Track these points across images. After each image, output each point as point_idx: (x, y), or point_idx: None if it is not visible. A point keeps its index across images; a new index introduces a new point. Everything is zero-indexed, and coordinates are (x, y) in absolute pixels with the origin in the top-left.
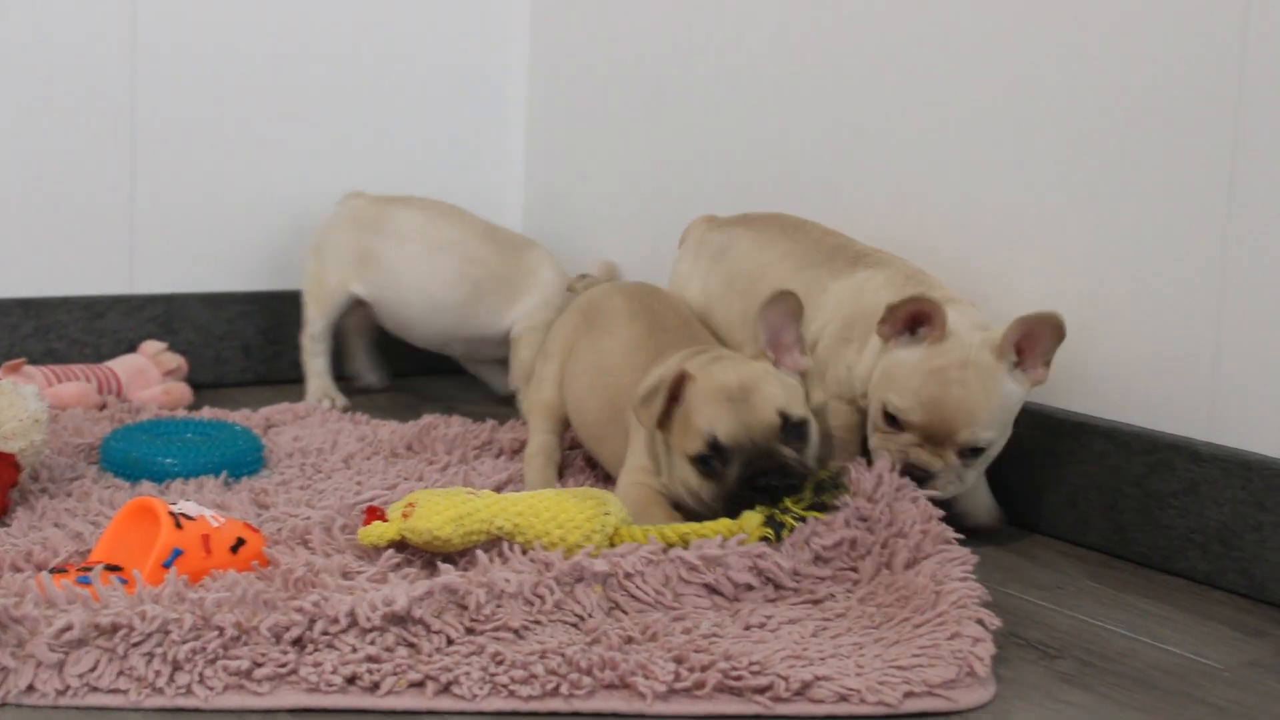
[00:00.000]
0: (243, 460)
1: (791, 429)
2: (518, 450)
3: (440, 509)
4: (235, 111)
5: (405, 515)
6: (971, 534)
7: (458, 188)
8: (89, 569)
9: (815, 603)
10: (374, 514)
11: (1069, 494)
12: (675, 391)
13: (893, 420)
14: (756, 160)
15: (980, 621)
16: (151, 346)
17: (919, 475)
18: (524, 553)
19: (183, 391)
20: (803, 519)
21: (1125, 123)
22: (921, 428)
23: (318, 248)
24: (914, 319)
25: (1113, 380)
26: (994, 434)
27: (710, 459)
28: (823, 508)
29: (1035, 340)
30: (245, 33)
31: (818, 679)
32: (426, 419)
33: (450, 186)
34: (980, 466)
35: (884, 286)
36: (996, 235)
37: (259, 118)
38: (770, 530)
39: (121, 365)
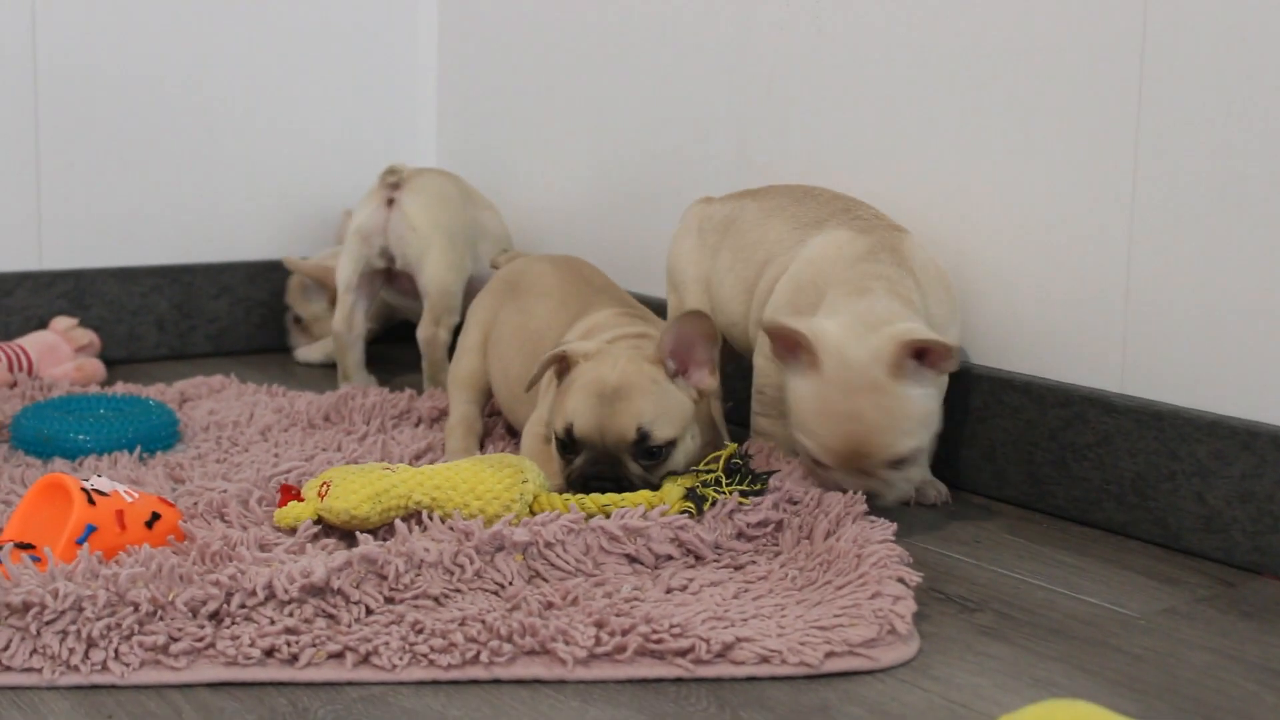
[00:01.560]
0: (157, 435)
1: (645, 448)
2: (436, 419)
3: (356, 487)
4: (141, 78)
5: (321, 495)
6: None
7: (369, 156)
8: None
9: (737, 568)
10: (289, 493)
11: (986, 449)
12: (559, 370)
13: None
14: (673, 118)
15: (901, 580)
16: (62, 323)
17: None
18: (443, 521)
19: (95, 367)
20: (723, 495)
21: (1030, 79)
22: (846, 457)
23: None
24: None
25: (1027, 335)
26: (915, 440)
27: (565, 442)
28: (746, 494)
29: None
30: (146, 8)
31: (739, 640)
32: (344, 389)
33: (362, 155)
34: (914, 467)
35: (839, 246)
36: (906, 192)
37: (165, 84)
38: (691, 504)
39: (32, 342)
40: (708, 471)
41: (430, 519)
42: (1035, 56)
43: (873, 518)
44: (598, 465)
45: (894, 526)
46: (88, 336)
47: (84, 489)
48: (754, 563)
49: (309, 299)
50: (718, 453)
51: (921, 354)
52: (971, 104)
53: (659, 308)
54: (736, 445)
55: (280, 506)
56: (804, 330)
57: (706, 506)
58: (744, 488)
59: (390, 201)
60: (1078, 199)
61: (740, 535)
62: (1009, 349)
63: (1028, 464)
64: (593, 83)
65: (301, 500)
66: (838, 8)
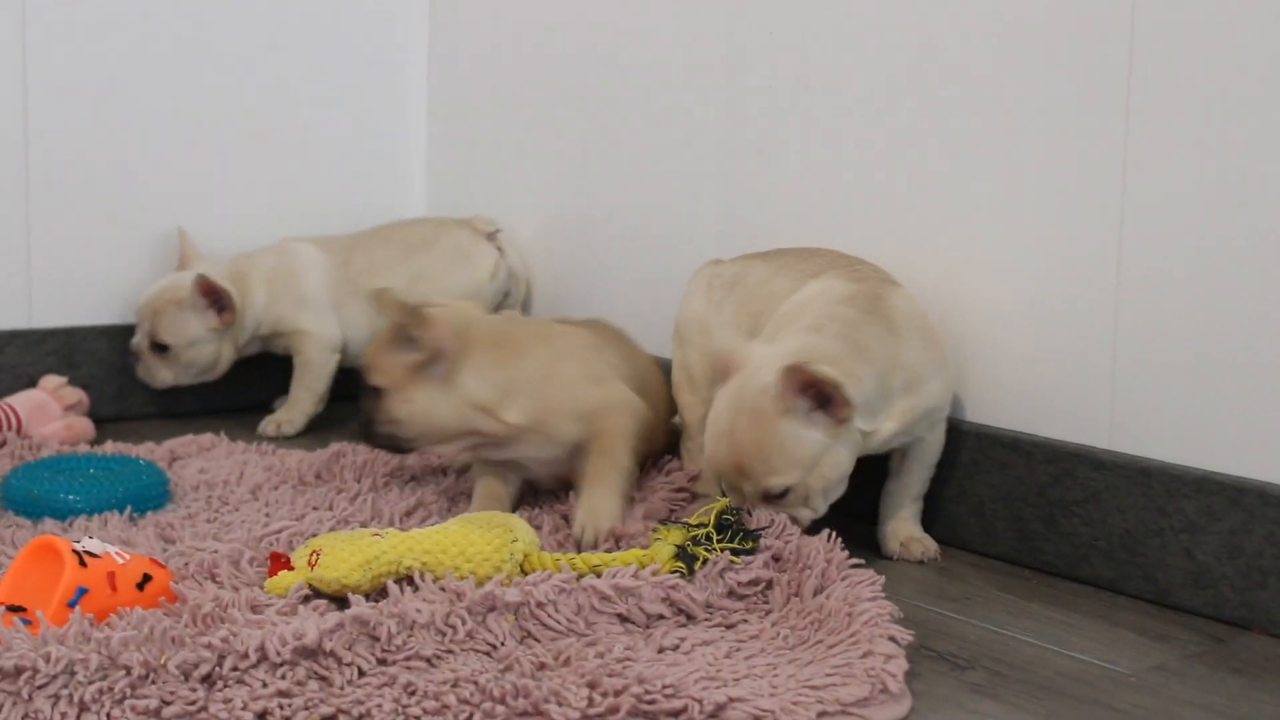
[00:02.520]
0: (148, 494)
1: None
2: (426, 475)
3: (346, 555)
4: (130, 140)
5: (311, 564)
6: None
7: (361, 193)
8: None
9: (729, 626)
10: (279, 561)
11: (974, 504)
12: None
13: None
14: (662, 172)
15: (892, 638)
16: (51, 381)
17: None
18: (435, 581)
19: (85, 426)
20: (714, 553)
21: (1016, 136)
22: (717, 475)
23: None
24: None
25: (1014, 391)
26: (787, 478)
27: None
28: (737, 552)
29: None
30: (137, 62)
31: (732, 700)
32: (335, 446)
33: (353, 192)
34: (802, 504)
35: (825, 291)
36: (894, 247)
37: (154, 145)
38: (683, 564)
39: (20, 401)
40: (699, 527)
41: (422, 579)
42: (1021, 114)
43: (859, 570)
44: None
45: (882, 580)
46: (76, 395)
47: (75, 550)
48: (745, 621)
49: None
50: (709, 506)
51: (824, 399)
52: (958, 162)
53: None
54: (728, 500)
55: (270, 575)
56: (734, 350)
57: (698, 566)
58: (735, 545)
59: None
60: (1065, 255)
61: (731, 594)
62: (997, 405)
63: (1016, 520)
64: (581, 136)
65: (291, 568)
66: (824, 68)
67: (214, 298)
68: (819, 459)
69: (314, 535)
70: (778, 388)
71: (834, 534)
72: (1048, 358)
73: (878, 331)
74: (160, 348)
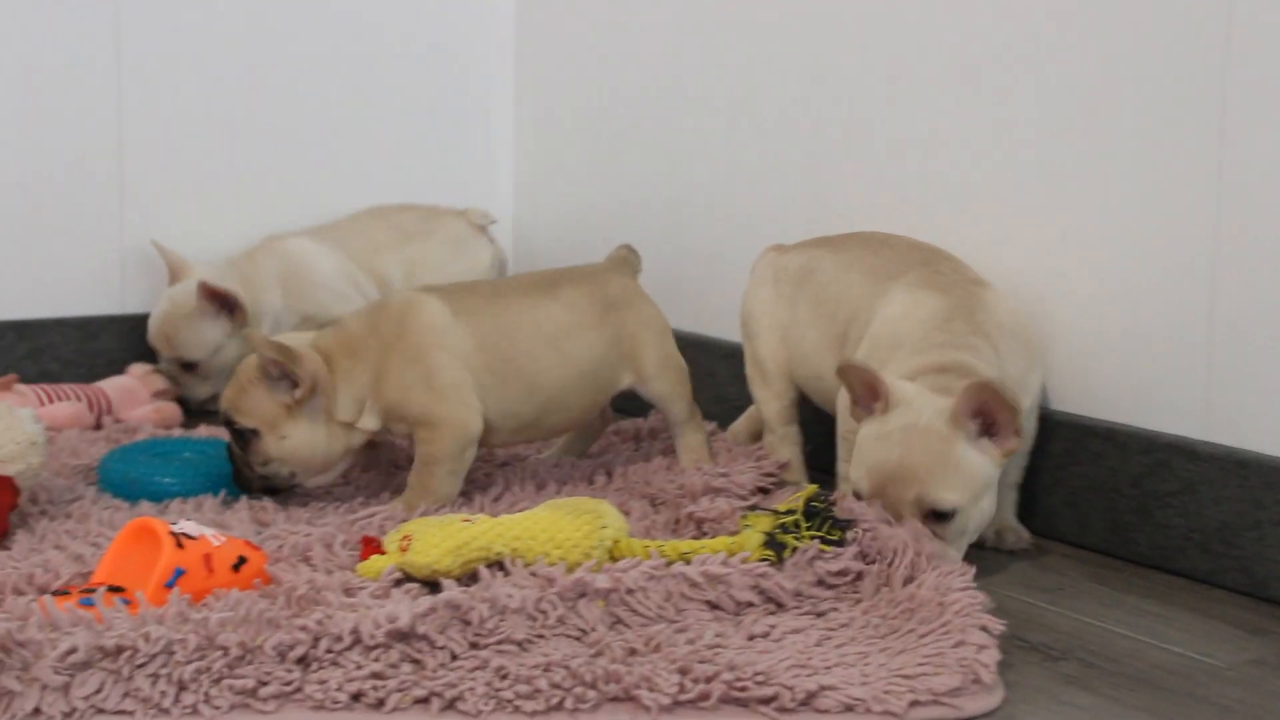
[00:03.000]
0: None
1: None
2: (506, 462)
3: (437, 540)
4: (224, 132)
5: (403, 549)
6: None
7: (449, 197)
8: (92, 591)
9: (819, 615)
10: (370, 545)
11: (1067, 495)
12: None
13: (860, 499)
14: (747, 162)
15: (984, 628)
16: (139, 368)
17: None
18: (525, 567)
19: (173, 411)
20: (803, 542)
21: (1112, 122)
22: (874, 496)
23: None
24: (869, 392)
25: (1109, 381)
26: (955, 496)
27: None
28: (826, 541)
29: (992, 410)
30: (231, 51)
31: (823, 688)
32: None
33: (440, 199)
34: (957, 538)
35: (917, 307)
36: (985, 235)
37: (248, 136)
38: (772, 552)
39: (110, 385)
40: (787, 514)
41: (513, 564)
42: (1113, 97)
43: (946, 558)
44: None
45: (972, 570)
46: (163, 382)
47: (173, 533)
48: (835, 610)
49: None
50: (798, 494)
51: (990, 426)
52: (1049, 147)
53: (731, 352)
54: (817, 487)
55: (362, 559)
56: (883, 377)
57: (786, 554)
58: (823, 534)
59: None
60: (1159, 244)
61: (820, 583)
62: (1091, 395)
63: (1110, 511)
64: (666, 126)
65: (383, 553)
66: (914, 55)
67: (221, 301)
68: (985, 488)
69: (405, 520)
70: (956, 406)
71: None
72: (1142, 347)
73: (983, 347)
74: (188, 366)
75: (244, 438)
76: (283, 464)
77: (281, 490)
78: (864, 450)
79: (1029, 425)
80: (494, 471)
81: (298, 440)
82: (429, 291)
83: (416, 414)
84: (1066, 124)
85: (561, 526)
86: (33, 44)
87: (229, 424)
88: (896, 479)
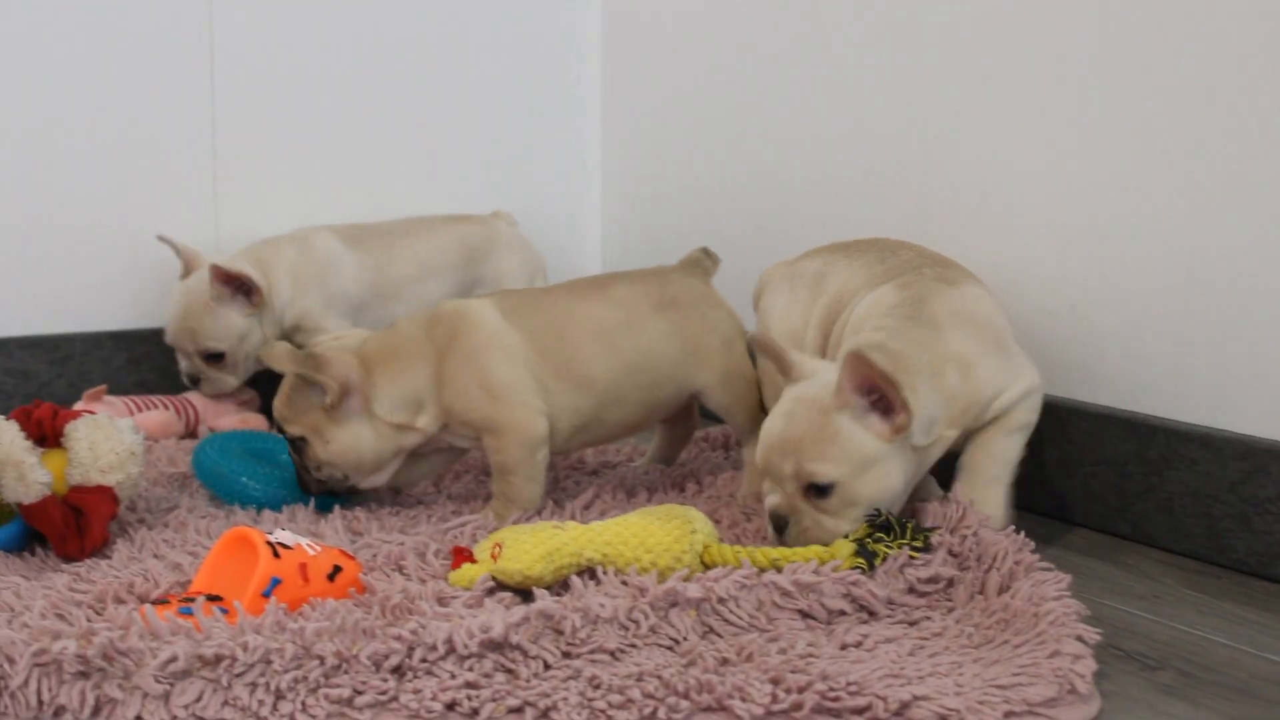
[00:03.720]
0: None
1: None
2: (595, 470)
3: (528, 547)
4: (313, 143)
5: (494, 556)
6: None
7: (536, 202)
8: (191, 600)
9: (911, 624)
10: (461, 555)
11: (1162, 501)
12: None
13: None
14: (836, 144)
15: (1079, 638)
16: None
17: (777, 524)
18: (616, 574)
19: (259, 421)
20: (893, 550)
21: (1205, 126)
22: (763, 468)
23: None
24: (779, 366)
25: (1205, 385)
26: (832, 469)
27: None
28: (915, 548)
29: (880, 385)
30: (319, 66)
31: (916, 699)
32: None
33: (529, 201)
34: (842, 511)
35: (876, 302)
36: (1081, 245)
37: (335, 147)
38: (863, 560)
39: (198, 395)
40: (879, 523)
41: (604, 574)
42: (1208, 103)
43: (1046, 568)
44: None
45: (1068, 579)
46: (249, 393)
47: (269, 542)
48: (928, 619)
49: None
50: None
51: (883, 404)
52: (1153, 153)
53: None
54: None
55: (454, 569)
56: (793, 360)
57: (878, 562)
58: (911, 542)
59: None
60: (1256, 249)
61: (912, 590)
62: (1185, 400)
63: (1206, 517)
64: (755, 127)
65: (474, 562)
66: (1011, 61)
67: (235, 284)
68: (870, 464)
69: (496, 529)
70: (839, 380)
71: (1021, 531)
72: (1237, 351)
73: (920, 334)
74: (215, 357)
75: (296, 445)
76: (333, 467)
77: (340, 492)
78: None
79: (1020, 417)
80: (585, 480)
81: (343, 443)
82: (479, 296)
83: (477, 419)
84: (1174, 123)
85: (652, 532)
86: (127, 45)
87: (281, 432)
88: (778, 450)
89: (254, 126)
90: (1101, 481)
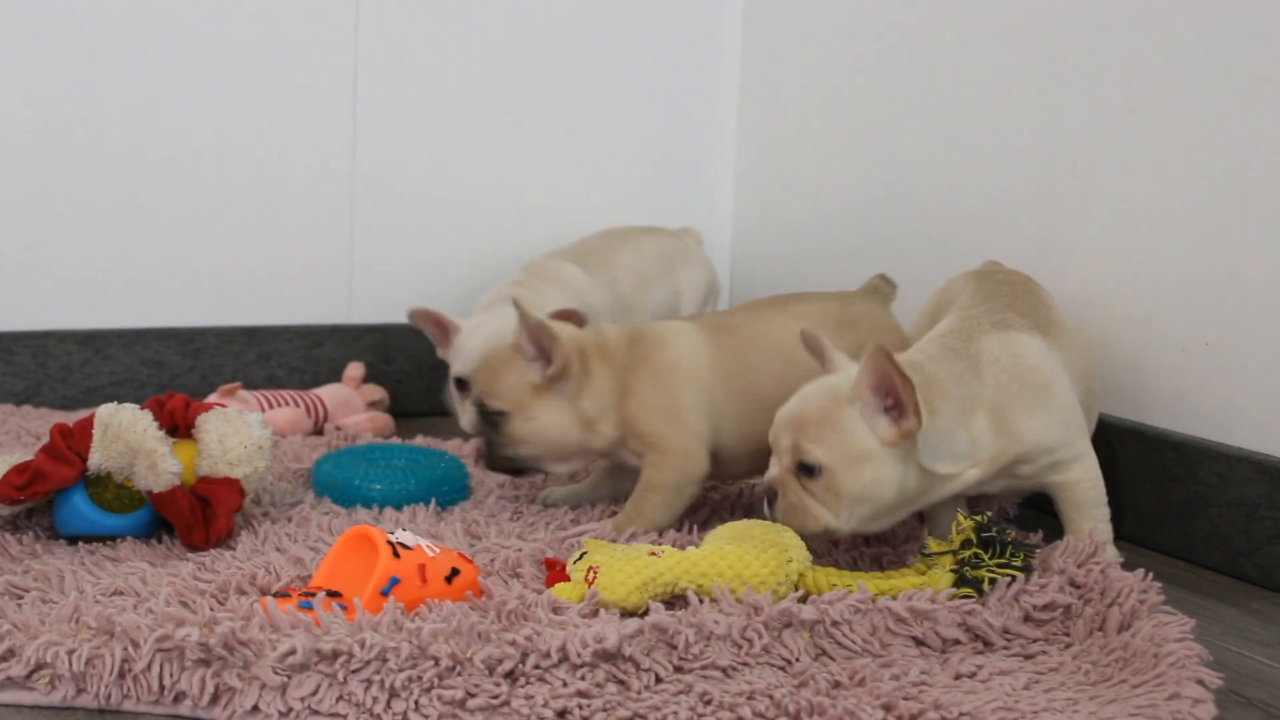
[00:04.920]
0: (445, 487)
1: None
2: (717, 483)
3: (624, 576)
4: (448, 150)
5: (588, 581)
6: None
7: (666, 220)
8: (311, 594)
9: (1027, 657)
10: (554, 570)
11: None
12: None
13: None
14: (971, 168)
15: (1201, 682)
16: (356, 369)
17: (768, 494)
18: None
19: (386, 421)
20: (997, 575)
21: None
22: (771, 440)
23: None
24: (818, 358)
25: None
26: (822, 453)
27: None
28: (1016, 568)
29: (896, 390)
30: (457, 75)
31: None
32: None
33: (661, 214)
34: (827, 498)
35: (933, 334)
36: (1222, 275)
37: (471, 153)
38: (970, 589)
39: (327, 393)
40: (964, 548)
41: (720, 590)
42: None
43: (1169, 611)
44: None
45: (1192, 623)
46: (379, 393)
47: (390, 542)
48: (1044, 653)
49: None
50: (963, 524)
51: (897, 407)
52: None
53: None
54: (987, 515)
55: (548, 584)
56: (826, 344)
57: (986, 588)
58: (1009, 560)
59: None
60: None
61: (1028, 619)
62: None
63: None
64: (891, 143)
65: (567, 578)
66: (1152, 87)
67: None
68: (862, 460)
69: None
70: (859, 373)
71: (1149, 574)
72: None
73: (959, 368)
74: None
75: (493, 421)
76: (529, 445)
77: (521, 473)
78: None
79: (1053, 477)
80: (705, 496)
81: (545, 421)
82: (685, 320)
83: (649, 434)
84: (1234, 119)
85: (748, 562)
86: (272, 54)
87: (480, 407)
88: (783, 424)
89: (391, 144)
90: (1230, 523)
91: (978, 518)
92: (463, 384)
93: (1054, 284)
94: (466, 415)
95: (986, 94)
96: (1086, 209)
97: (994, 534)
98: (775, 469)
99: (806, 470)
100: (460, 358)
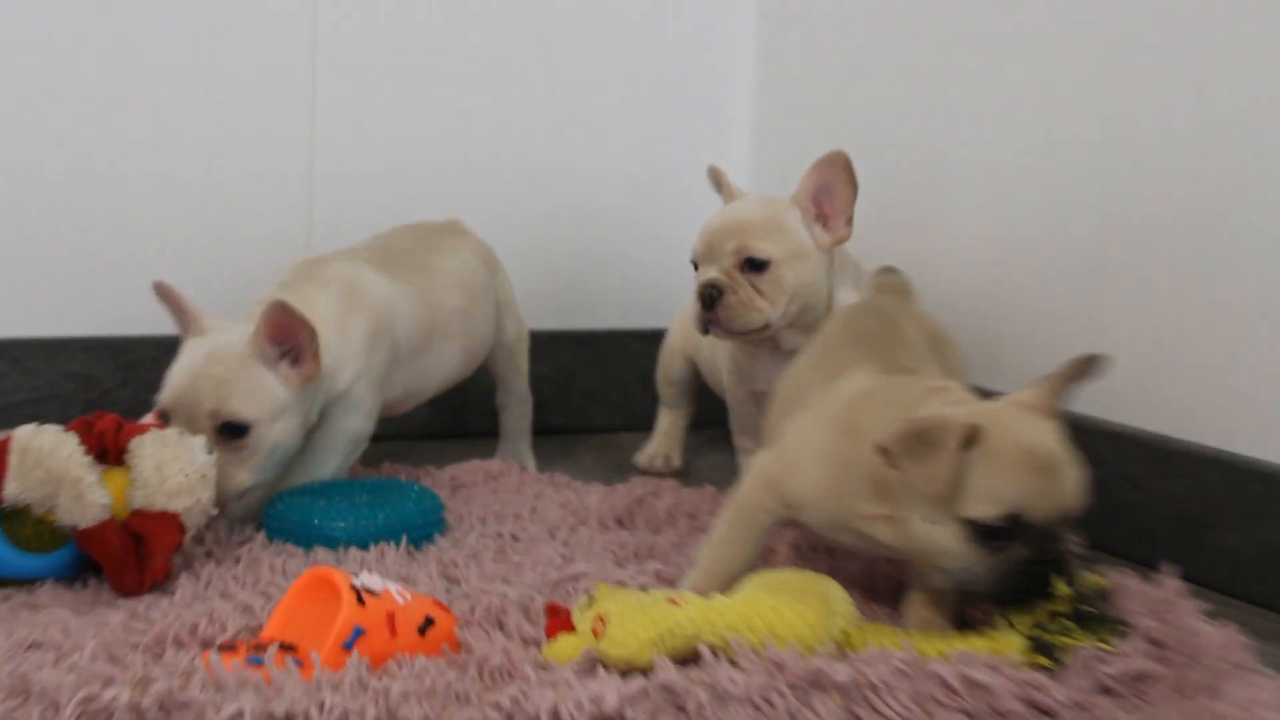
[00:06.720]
0: (416, 524)
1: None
2: None
3: (637, 629)
4: (422, 148)
5: (596, 633)
6: None
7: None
8: (261, 648)
9: None
10: (557, 617)
11: None
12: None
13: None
14: (985, 181)
15: None
16: None
17: (706, 297)
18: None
19: None
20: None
21: None
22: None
23: None
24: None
25: None
26: (773, 249)
27: (1000, 531)
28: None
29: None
30: (442, 58)
31: None
32: (638, 487)
33: (671, 221)
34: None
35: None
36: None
37: (465, 150)
38: (1044, 657)
39: None
40: (1054, 617)
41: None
42: None
43: (1262, 671)
44: (1046, 548)
45: None
46: None
47: (354, 587)
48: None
49: None
50: (1063, 591)
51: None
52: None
53: None
54: (1099, 580)
55: (549, 635)
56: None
57: (1059, 654)
58: (1101, 636)
59: None
60: None
61: (1103, 690)
62: None
63: None
64: (911, 134)
65: (572, 629)
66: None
67: None
68: (805, 256)
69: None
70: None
71: (1237, 628)
72: None
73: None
74: None
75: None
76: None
77: None
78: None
79: None
80: None
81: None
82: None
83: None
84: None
85: (783, 615)
86: (220, 54)
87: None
88: (724, 231)
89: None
90: None
91: (1094, 579)
92: None
93: (1056, 283)
94: None
95: (1006, 77)
96: (1140, 201)
97: (1094, 610)
98: (712, 271)
99: (755, 265)
100: None
